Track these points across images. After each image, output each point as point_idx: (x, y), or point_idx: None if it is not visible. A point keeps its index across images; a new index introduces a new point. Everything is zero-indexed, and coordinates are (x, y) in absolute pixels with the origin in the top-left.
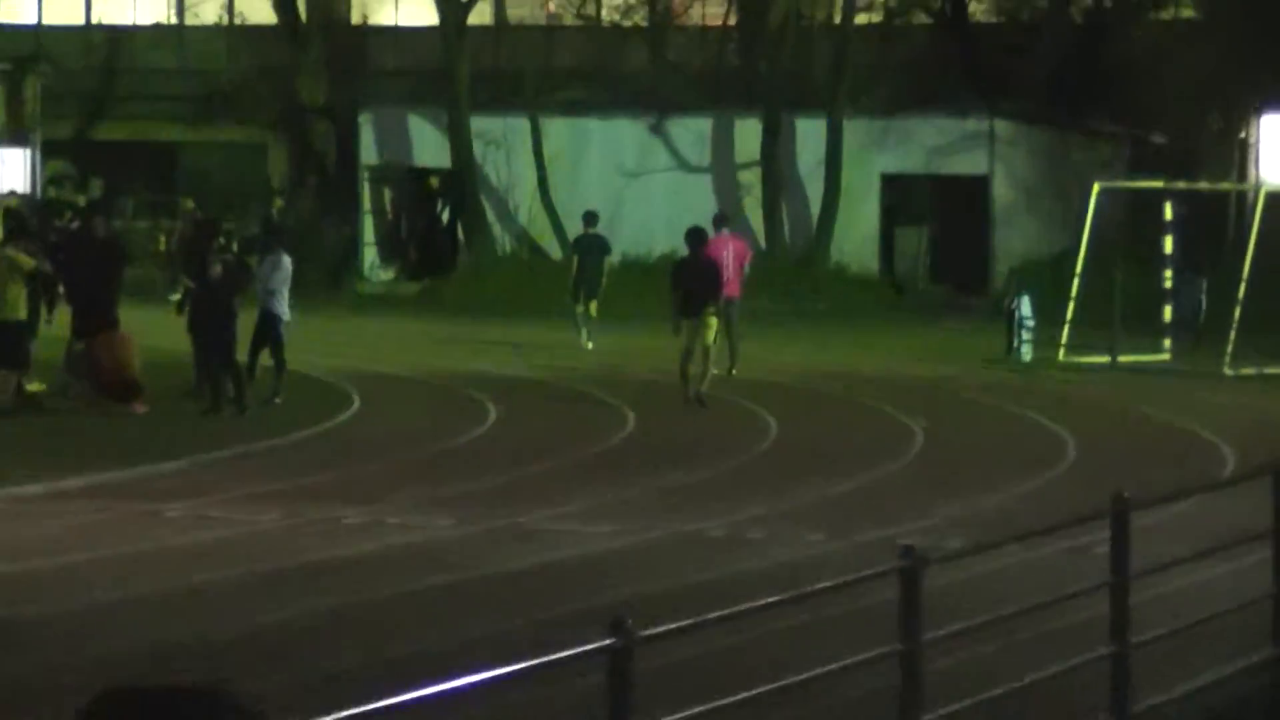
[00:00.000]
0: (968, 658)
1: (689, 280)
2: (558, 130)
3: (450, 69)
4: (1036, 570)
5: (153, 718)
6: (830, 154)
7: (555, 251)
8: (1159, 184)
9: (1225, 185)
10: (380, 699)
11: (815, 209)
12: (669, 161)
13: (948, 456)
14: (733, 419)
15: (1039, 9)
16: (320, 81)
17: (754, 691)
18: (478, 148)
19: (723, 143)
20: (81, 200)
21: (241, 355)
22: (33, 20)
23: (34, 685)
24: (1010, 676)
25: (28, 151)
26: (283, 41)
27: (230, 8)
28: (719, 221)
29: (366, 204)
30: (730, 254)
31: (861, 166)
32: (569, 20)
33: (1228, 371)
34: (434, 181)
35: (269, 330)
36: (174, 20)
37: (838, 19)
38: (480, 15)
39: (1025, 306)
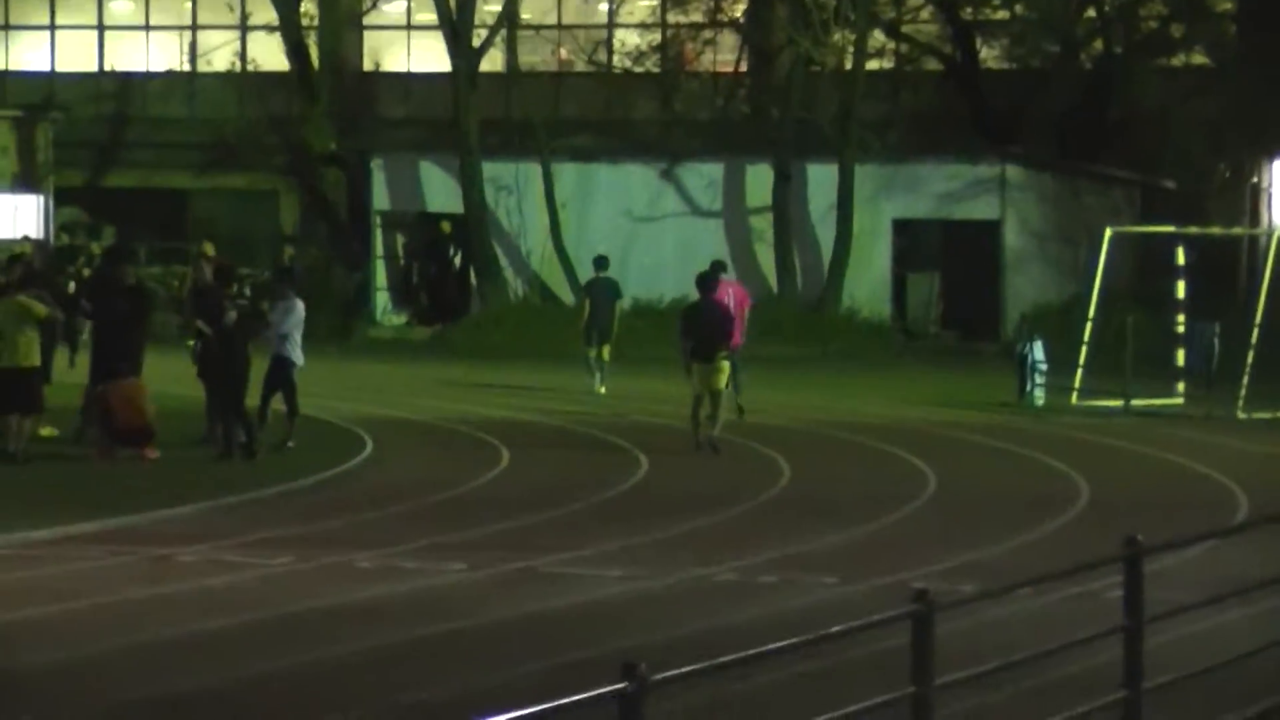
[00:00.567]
0: (980, 703)
1: (700, 325)
2: (569, 176)
3: (461, 116)
4: (1049, 615)
5: None
6: (841, 200)
7: (566, 296)
8: (1170, 229)
9: (1237, 230)
10: None
11: (826, 254)
12: (680, 207)
13: (960, 501)
14: (745, 464)
15: (1049, 55)
16: (331, 128)
17: None
18: (489, 193)
19: (734, 188)
20: (96, 248)
21: (253, 400)
22: (45, 68)
23: None
24: None
25: (40, 198)
26: (294, 89)
27: (242, 55)
28: (717, 269)
29: (378, 249)
30: (731, 300)
31: (872, 212)
32: (580, 67)
33: (1241, 416)
34: (446, 227)
35: (281, 375)
36: (186, 68)
37: (848, 65)
38: (491, 62)
39: (1037, 351)
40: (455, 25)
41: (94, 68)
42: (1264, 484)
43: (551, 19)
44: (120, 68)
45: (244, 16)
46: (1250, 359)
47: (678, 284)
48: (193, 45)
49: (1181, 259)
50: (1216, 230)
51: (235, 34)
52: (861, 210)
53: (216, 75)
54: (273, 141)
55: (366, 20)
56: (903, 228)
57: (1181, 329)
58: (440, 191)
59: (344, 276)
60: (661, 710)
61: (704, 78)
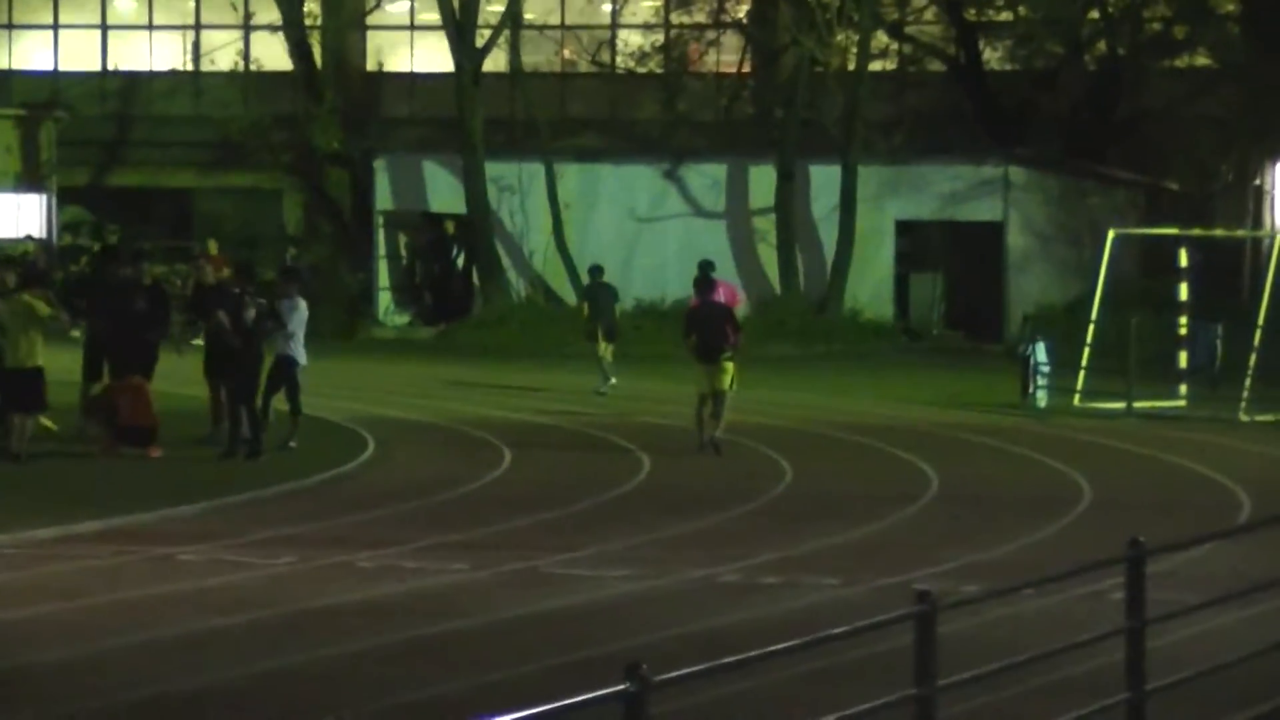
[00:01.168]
0: (982, 704)
1: (700, 327)
2: (572, 176)
3: (465, 116)
4: (1052, 616)
5: None
6: (845, 200)
7: (569, 296)
8: (1174, 231)
9: (1240, 232)
10: None
11: (829, 255)
12: (683, 207)
13: (963, 502)
14: (748, 464)
15: (1054, 56)
16: (335, 128)
17: None
18: (492, 193)
19: (737, 189)
20: (96, 246)
21: (256, 399)
22: (49, 67)
23: None
24: None
25: (44, 197)
26: (298, 88)
27: (246, 55)
28: (706, 269)
29: (382, 249)
30: (721, 295)
31: (876, 213)
32: (584, 67)
33: (1244, 417)
34: (450, 226)
35: (284, 374)
36: (190, 67)
37: (852, 66)
38: (495, 62)
39: (1040, 352)
40: (459, 25)
41: (98, 67)
42: (1266, 485)
43: (555, 19)
44: (124, 67)
45: (247, 16)
46: (1253, 361)
47: (681, 284)
48: (196, 44)
49: (1185, 260)
50: (1220, 232)
51: (239, 33)
52: (865, 211)
53: (220, 74)
54: (277, 141)
55: (370, 20)
56: (906, 228)
57: (1184, 331)
58: (444, 191)
59: (348, 276)
60: (665, 710)
61: (707, 78)
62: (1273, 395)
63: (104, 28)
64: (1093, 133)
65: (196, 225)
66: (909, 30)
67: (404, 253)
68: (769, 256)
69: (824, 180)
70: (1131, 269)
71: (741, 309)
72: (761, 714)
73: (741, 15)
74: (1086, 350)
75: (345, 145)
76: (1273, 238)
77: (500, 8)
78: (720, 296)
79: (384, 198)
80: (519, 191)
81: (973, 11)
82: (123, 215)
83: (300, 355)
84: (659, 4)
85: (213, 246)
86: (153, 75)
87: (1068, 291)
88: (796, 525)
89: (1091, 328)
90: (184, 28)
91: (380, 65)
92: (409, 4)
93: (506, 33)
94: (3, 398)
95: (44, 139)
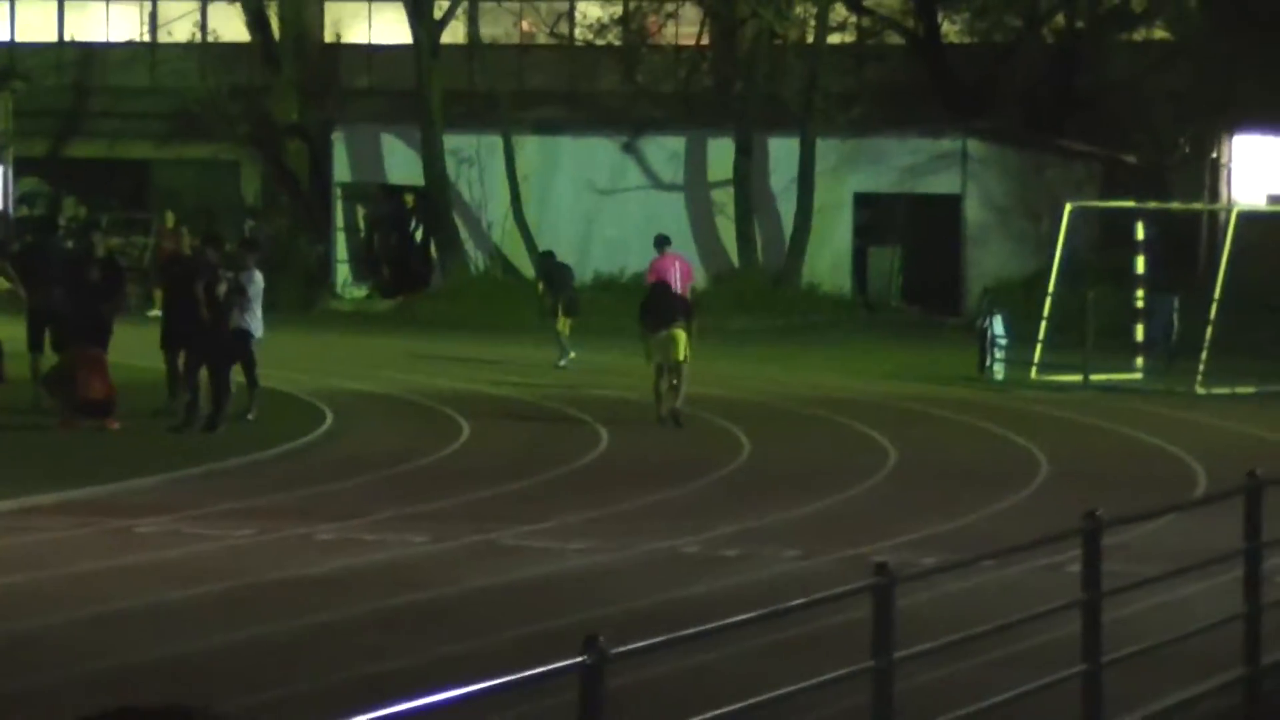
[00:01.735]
0: (940, 676)
1: (652, 297)
2: (531, 149)
3: (423, 87)
4: (1009, 588)
5: None
6: (803, 173)
7: (528, 269)
8: (1131, 204)
9: (1197, 205)
10: (351, 717)
11: (788, 228)
12: (642, 180)
13: (921, 475)
14: (706, 437)
15: (1012, 29)
16: (293, 99)
17: (726, 710)
18: (451, 166)
19: (696, 162)
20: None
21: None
22: (5, 38)
23: (7, 698)
24: (982, 695)
25: (0, 168)
26: (256, 60)
27: (203, 26)
28: (660, 243)
29: (340, 221)
30: (677, 272)
31: (834, 186)
32: (542, 39)
33: (1200, 391)
34: (408, 199)
35: (241, 347)
36: (147, 38)
37: (811, 39)
38: (453, 34)
39: (998, 325)
40: None
41: (55, 37)
42: (1222, 458)
43: None
44: (81, 38)
45: None
46: (1209, 334)
47: (640, 257)
48: (153, 15)
49: (1141, 234)
50: (1176, 205)
51: (196, 4)
52: (823, 184)
53: (178, 45)
54: (235, 112)
55: None
56: (864, 201)
57: (1141, 304)
58: (402, 163)
59: (306, 248)
60: (623, 683)
61: (667, 50)
62: (1228, 368)
63: None
64: (1051, 106)
65: (154, 196)
66: (868, 3)
67: (362, 225)
68: (728, 229)
69: (783, 153)
70: (1089, 242)
71: (699, 282)
72: (721, 686)
73: None
74: (1044, 323)
75: (303, 117)
76: (1229, 211)
77: None
78: (676, 270)
79: (342, 169)
80: (477, 164)
81: None
82: (80, 186)
83: (257, 328)
84: None
85: (170, 218)
86: (110, 46)
87: (1025, 265)
88: (755, 498)
89: (1049, 301)
90: None
91: (338, 36)
92: None
93: (465, 4)
94: None
95: (0, 110)
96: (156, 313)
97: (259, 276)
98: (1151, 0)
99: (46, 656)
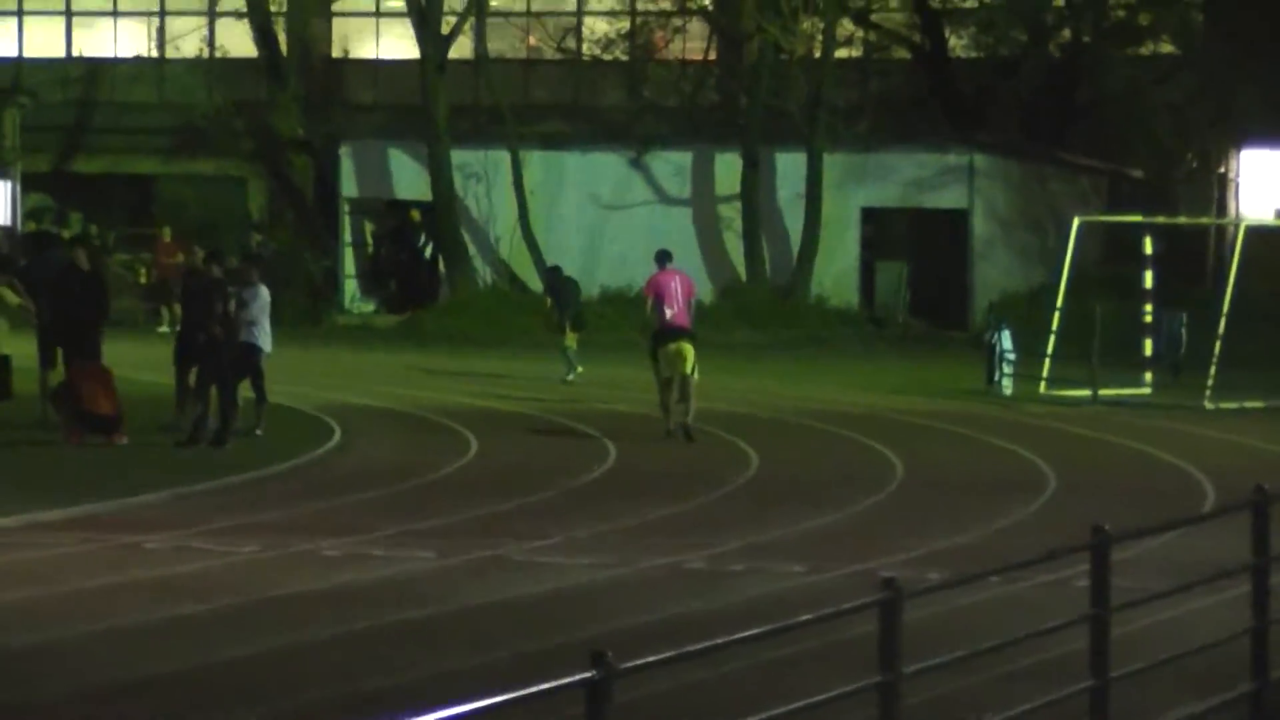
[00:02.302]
0: (947, 691)
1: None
2: (537, 163)
3: (430, 102)
4: (1016, 603)
5: None
6: (810, 187)
7: (535, 284)
8: (1138, 218)
9: (1204, 220)
10: None
11: (795, 242)
12: (648, 195)
13: (928, 489)
14: (713, 452)
15: (1017, 44)
16: (299, 115)
17: None
18: (457, 180)
19: (702, 176)
20: (66, 234)
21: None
22: (12, 53)
23: (12, 711)
24: (989, 710)
25: (7, 184)
26: (262, 75)
27: (210, 41)
28: (661, 258)
29: (346, 236)
30: (679, 285)
31: (841, 200)
32: (549, 54)
33: (1208, 405)
34: (415, 214)
35: (249, 362)
36: (153, 54)
37: (817, 53)
38: (460, 49)
39: (1005, 340)
40: (424, 12)
41: (62, 53)
42: (1230, 473)
43: (520, 6)
44: (88, 53)
45: (212, 2)
46: (1217, 348)
47: (646, 272)
48: (160, 31)
49: (1149, 248)
50: (1183, 219)
51: (203, 20)
52: (830, 198)
53: (184, 61)
54: (241, 127)
55: (335, 6)
56: (871, 216)
57: (1149, 318)
58: (409, 178)
59: (312, 263)
60: (630, 698)
61: (673, 65)
62: (1236, 382)
63: (68, 14)
64: (1056, 120)
65: (160, 212)
66: (874, 17)
67: (369, 240)
68: (734, 244)
69: (789, 167)
70: (1096, 256)
71: (703, 296)
72: (727, 701)
73: (706, 2)
74: (1051, 337)
75: (309, 132)
76: (1236, 225)
77: None
78: (677, 284)
79: (348, 185)
80: (484, 178)
81: None
82: (86, 202)
83: (265, 342)
84: None
85: (166, 233)
86: (117, 62)
87: (1032, 279)
88: (762, 512)
89: (1056, 315)
90: (148, 14)
91: (345, 52)
92: None
93: (471, 19)
94: None
95: (7, 125)
96: (164, 329)
97: (264, 291)
98: (1156, 14)
99: (53, 672)
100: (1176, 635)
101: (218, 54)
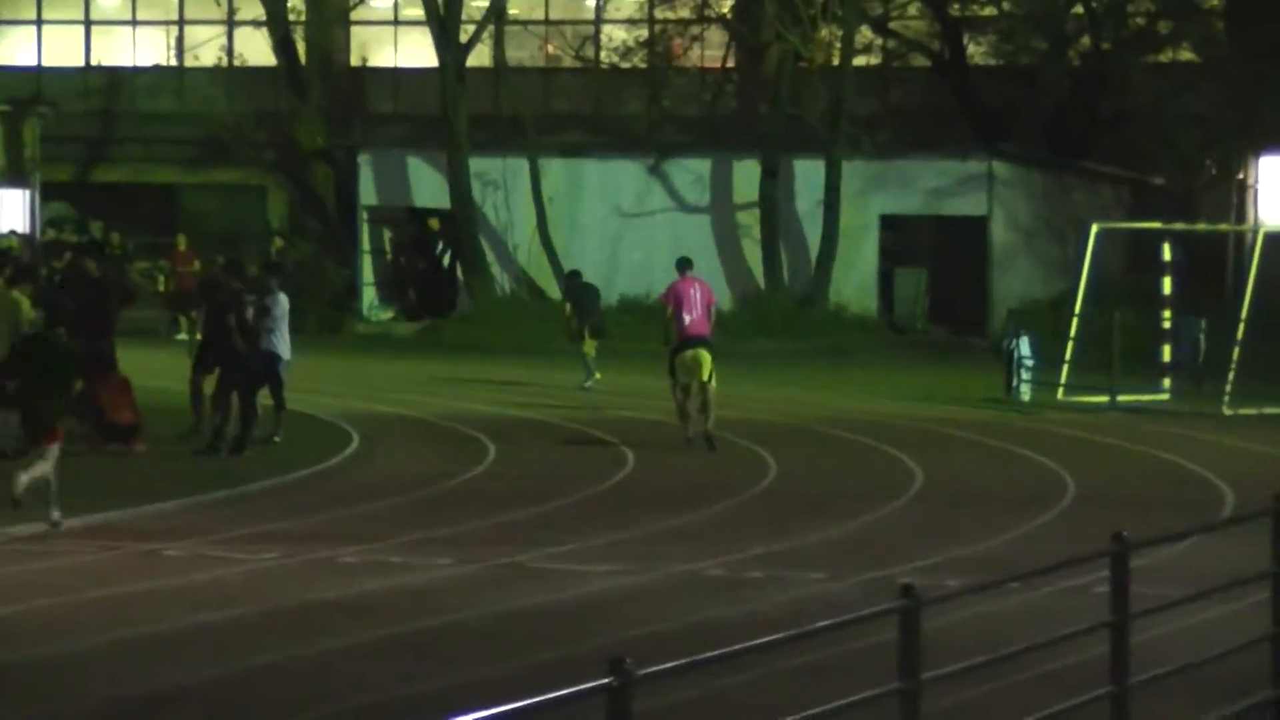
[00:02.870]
0: (967, 698)
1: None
2: (556, 171)
3: (449, 111)
4: (1036, 610)
5: None
6: (829, 195)
7: (554, 292)
8: (1157, 225)
9: (1224, 226)
10: None
11: (814, 250)
12: (667, 202)
13: (947, 496)
14: (732, 459)
15: (1037, 52)
16: (319, 124)
17: None
18: (477, 189)
19: (721, 184)
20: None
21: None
22: (33, 62)
23: None
24: (1009, 716)
25: (27, 193)
26: (282, 84)
27: (230, 50)
28: (682, 266)
29: (366, 245)
30: (698, 293)
31: (860, 208)
32: (568, 62)
33: (1227, 412)
34: (434, 223)
35: (268, 369)
36: (173, 63)
37: (836, 61)
38: (479, 58)
39: (1024, 347)
40: (443, 20)
41: (81, 63)
42: (1249, 479)
43: (539, 14)
44: (108, 63)
45: (231, 11)
46: (1236, 355)
47: (666, 279)
48: (180, 40)
49: (1168, 255)
50: (1203, 226)
51: (222, 29)
52: (849, 206)
53: (204, 70)
54: (261, 137)
55: (354, 15)
56: (891, 223)
57: (1168, 325)
58: (428, 187)
59: (332, 271)
60: (649, 706)
61: (692, 73)
62: (1256, 389)
63: (87, 23)
64: (1076, 128)
65: (181, 221)
66: (893, 26)
67: (388, 248)
68: (753, 252)
69: (808, 175)
70: (1115, 264)
71: (723, 305)
72: (746, 708)
73: (726, 10)
74: (1070, 345)
75: (329, 141)
76: (1256, 232)
77: (484, 3)
78: (695, 289)
79: (368, 193)
80: (503, 187)
81: (957, 7)
82: (107, 211)
83: (284, 350)
84: None
85: (182, 241)
86: (136, 71)
87: (1051, 286)
88: (781, 520)
89: (1075, 322)
90: (167, 23)
91: (364, 61)
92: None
93: (490, 28)
94: None
95: (27, 135)
96: (183, 336)
97: (284, 299)
98: (1177, 22)
99: (73, 680)
100: (1196, 642)
101: (237, 63)
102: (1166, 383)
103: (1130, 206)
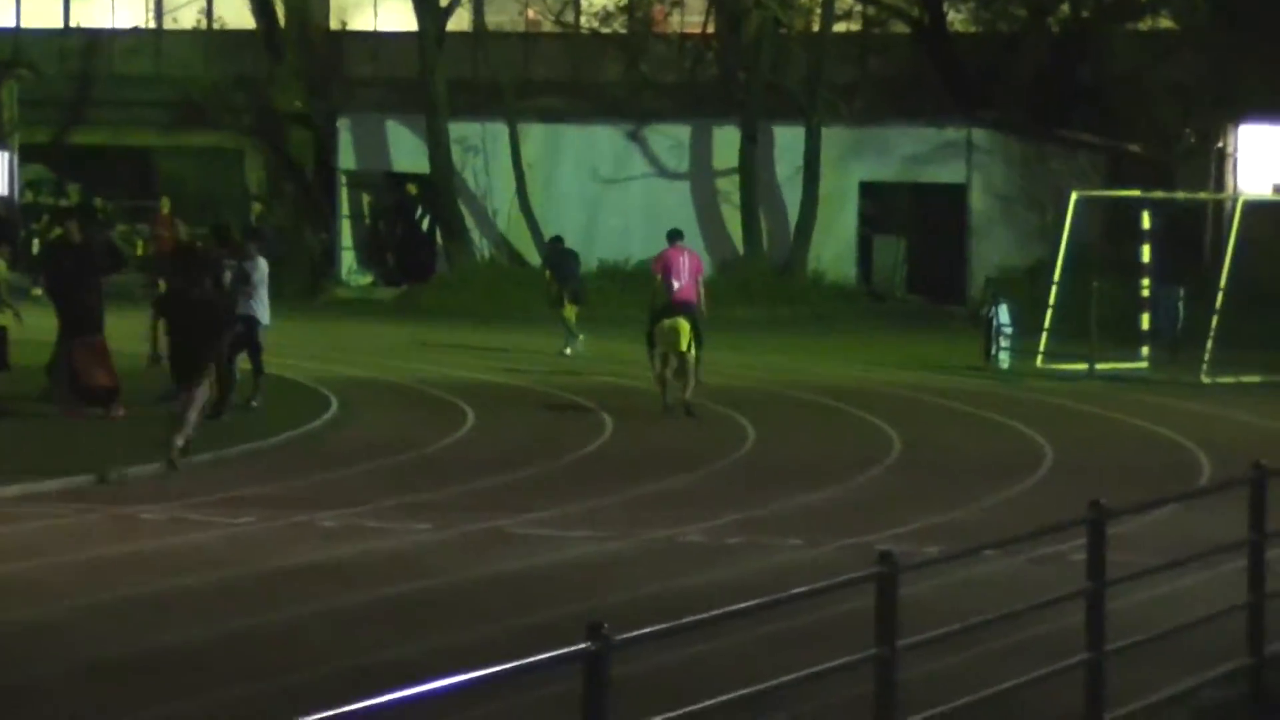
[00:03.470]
0: (943, 665)
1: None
2: (536, 137)
3: (428, 76)
4: (1013, 578)
5: None
6: (808, 162)
7: (533, 257)
8: (1137, 194)
9: (1203, 195)
10: (354, 704)
11: (793, 217)
12: (647, 169)
13: (925, 464)
14: (710, 426)
15: (1017, 19)
16: (298, 87)
17: (729, 697)
18: (456, 154)
19: (701, 150)
20: (63, 204)
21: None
22: (10, 25)
23: (12, 690)
24: (986, 683)
25: (5, 156)
26: (260, 48)
27: (208, 13)
28: (673, 237)
29: (345, 209)
30: (687, 261)
31: (840, 175)
32: (547, 28)
33: (1205, 380)
34: (413, 188)
35: (247, 334)
36: (152, 26)
37: (816, 28)
38: (459, 22)
39: (1003, 315)
40: None
41: (60, 25)
42: (1227, 448)
43: None
44: (86, 25)
45: None
46: (1215, 324)
47: (645, 246)
48: (158, 3)
49: (1147, 223)
50: (1182, 195)
51: None
52: (829, 173)
53: (183, 33)
54: (239, 100)
55: None
56: (870, 191)
57: (1147, 293)
58: (407, 151)
59: (310, 236)
60: (626, 671)
61: (672, 39)
62: (1234, 358)
63: None
64: (1056, 96)
65: (158, 185)
66: None
67: (367, 213)
68: (733, 218)
69: (788, 142)
70: (1094, 232)
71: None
72: (724, 674)
73: None
74: (1049, 313)
75: (308, 105)
76: (1234, 201)
77: None
78: (684, 258)
79: (347, 158)
80: (482, 152)
81: None
82: (84, 174)
83: (264, 315)
84: None
85: (165, 205)
86: (114, 34)
87: (1030, 254)
88: (760, 487)
89: (1054, 290)
90: None
91: (343, 24)
92: None
93: None
94: None
95: (5, 97)
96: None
97: (263, 264)
98: None
99: (54, 646)
100: (1173, 610)
101: (215, 26)
102: (1145, 351)
103: (1107, 175)
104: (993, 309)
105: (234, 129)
